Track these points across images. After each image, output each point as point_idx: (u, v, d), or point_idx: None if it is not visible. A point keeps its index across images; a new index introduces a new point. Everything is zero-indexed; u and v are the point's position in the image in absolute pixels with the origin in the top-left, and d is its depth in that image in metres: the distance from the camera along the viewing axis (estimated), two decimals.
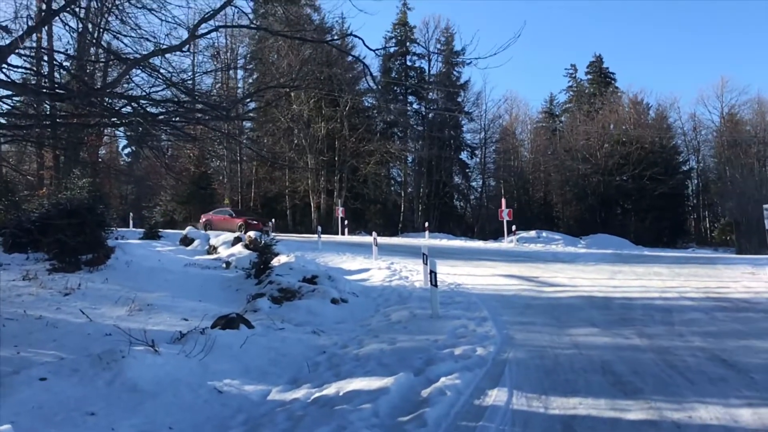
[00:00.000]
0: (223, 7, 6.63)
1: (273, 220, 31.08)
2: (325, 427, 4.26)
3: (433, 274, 9.16)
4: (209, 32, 7.42)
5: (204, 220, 29.22)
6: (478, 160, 48.36)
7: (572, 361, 6.11)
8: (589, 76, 55.79)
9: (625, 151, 41.38)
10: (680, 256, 19.77)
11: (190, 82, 9.53)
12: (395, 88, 46.25)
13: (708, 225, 49.37)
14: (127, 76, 8.40)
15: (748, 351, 6.36)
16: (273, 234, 19.90)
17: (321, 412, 4.64)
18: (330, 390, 5.22)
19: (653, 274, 13.20)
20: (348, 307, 10.29)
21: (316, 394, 5.17)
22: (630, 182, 40.88)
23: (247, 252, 15.85)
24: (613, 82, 54.30)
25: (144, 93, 8.03)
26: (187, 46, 7.74)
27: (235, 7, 7.17)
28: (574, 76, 57.27)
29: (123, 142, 40.57)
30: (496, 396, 4.97)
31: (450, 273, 13.70)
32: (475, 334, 7.48)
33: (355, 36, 6.69)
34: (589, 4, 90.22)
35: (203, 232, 22.04)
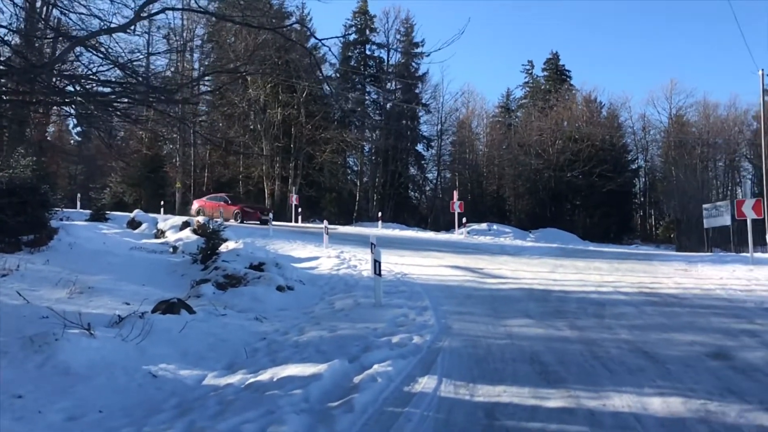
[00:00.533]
0: None
1: (272, 211, 29.70)
2: (254, 412, 4.34)
3: (377, 263, 9.30)
4: (156, 13, 7.33)
5: (197, 206, 28.35)
6: (434, 151, 48.77)
7: (503, 351, 6.34)
8: (545, 73, 56.76)
9: (577, 148, 42.38)
10: (621, 252, 20.45)
11: (139, 63, 9.39)
12: (354, 76, 46.17)
13: (653, 222, 51.10)
14: (73, 55, 8.23)
15: (668, 343, 6.69)
16: (222, 220, 19.69)
17: (252, 397, 4.72)
18: (264, 376, 5.30)
19: (593, 269, 13.65)
20: (293, 295, 10.35)
21: (251, 380, 5.24)
22: (580, 178, 41.89)
23: (195, 237, 15.69)
24: (568, 79, 55.41)
25: (89, 72, 7.88)
26: (134, 26, 7.63)
27: None
28: (530, 72, 58.21)
29: (73, 122, 39.47)
30: (425, 383, 5.12)
31: (398, 263, 13.88)
32: (414, 323, 7.66)
33: (302, 25, 6.67)
34: (547, 2, 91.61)
35: (151, 215, 21.62)
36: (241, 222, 26.09)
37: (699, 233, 28.77)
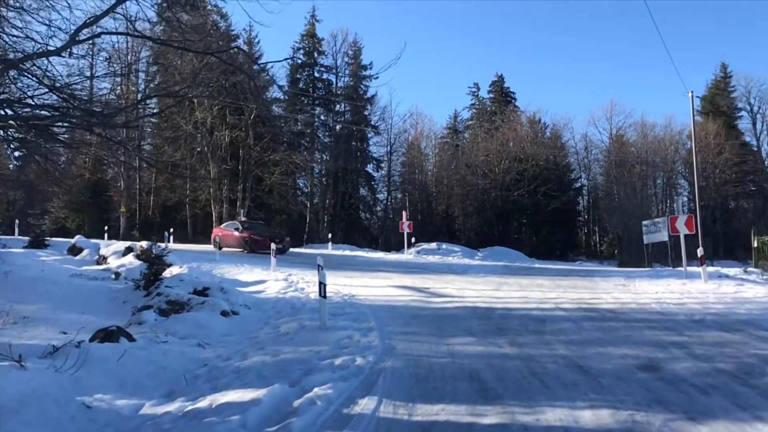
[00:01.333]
0: (104, 14, 6.53)
1: (286, 237, 26.17)
2: None
3: (322, 285, 9.30)
4: (92, 37, 7.27)
5: (213, 235, 26.67)
6: (384, 172, 49.18)
7: (444, 370, 6.44)
8: (491, 95, 58.13)
9: (522, 168, 43.40)
10: (564, 269, 21.00)
11: (78, 86, 9.24)
12: (303, 98, 46.28)
13: (597, 239, 52.57)
14: (9, 79, 8.06)
15: (603, 357, 6.93)
16: (166, 245, 19.27)
17: (189, 425, 4.68)
18: (203, 403, 5.24)
19: (536, 286, 13.98)
20: (238, 320, 10.23)
21: (189, 407, 5.19)
22: (526, 197, 42.88)
23: (138, 263, 15.37)
24: (513, 101, 56.87)
25: (24, 96, 7.73)
26: (71, 49, 7.54)
27: (119, 14, 7.05)
28: (476, 94, 59.50)
29: (11, 146, 38.03)
30: (365, 404, 5.17)
31: (347, 284, 13.92)
32: (358, 344, 7.69)
33: (241, 50, 6.71)
34: (493, 26, 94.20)
35: (93, 241, 21.02)
36: (250, 251, 23.32)
37: (639, 249, 29.83)
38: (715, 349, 7.27)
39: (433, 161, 52.18)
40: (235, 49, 11.10)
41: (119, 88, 30.26)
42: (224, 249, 22.92)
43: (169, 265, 13.67)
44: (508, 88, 57.71)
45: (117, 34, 8.19)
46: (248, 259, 19.77)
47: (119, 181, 40.83)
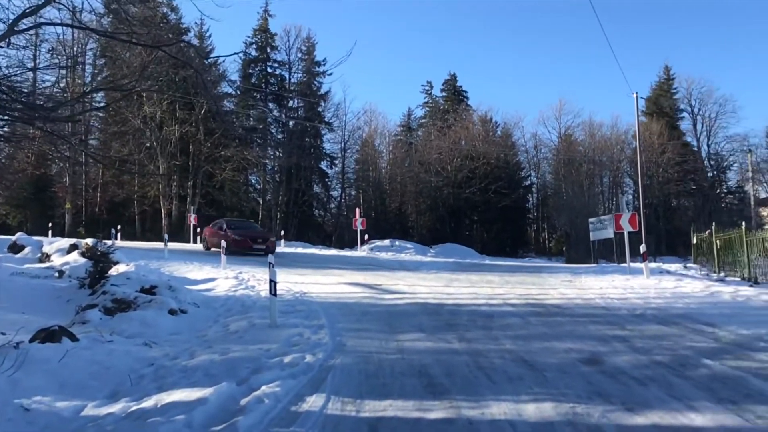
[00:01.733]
0: (45, 3, 6.32)
1: (270, 237, 23.41)
2: None
3: (273, 283, 9.25)
4: (31, 28, 7.02)
5: (203, 234, 25.45)
6: (337, 169, 49.09)
7: (393, 366, 6.50)
8: (443, 94, 58.61)
9: (474, 166, 43.98)
10: (514, 265, 21.43)
11: (19, 78, 8.91)
12: (255, 94, 45.76)
13: (546, 236, 53.72)
14: None
15: (548, 352, 7.11)
16: (113, 242, 18.77)
17: (133, 425, 4.60)
18: (148, 403, 5.16)
19: (485, 282, 14.21)
20: (186, 318, 10.08)
21: (133, 408, 5.09)
22: (477, 195, 43.47)
23: (83, 260, 14.90)
24: (465, 100, 57.51)
25: None
26: (9, 39, 7.27)
27: (63, 4, 6.83)
28: (430, 92, 59.90)
29: None
30: (313, 402, 5.18)
31: (298, 282, 13.86)
32: (308, 341, 7.68)
33: (190, 44, 6.60)
34: (446, 25, 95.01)
35: (36, 238, 20.31)
36: (229, 253, 19.67)
37: (586, 246, 30.65)
38: (654, 343, 7.55)
39: (387, 159, 52.33)
40: (185, 43, 10.90)
41: (64, 80, 29.30)
42: (212, 249, 22.24)
43: (116, 263, 13.34)
44: (461, 86, 58.39)
45: (60, 25, 7.94)
46: (199, 257, 19.45)
47: (64, 176, 39.56)
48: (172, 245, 23.44)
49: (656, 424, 4.57)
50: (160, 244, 23.10)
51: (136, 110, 36.71)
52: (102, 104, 20.71)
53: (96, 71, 37.87)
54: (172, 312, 9.99)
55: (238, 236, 21.56)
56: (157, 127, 38.66)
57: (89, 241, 17.07)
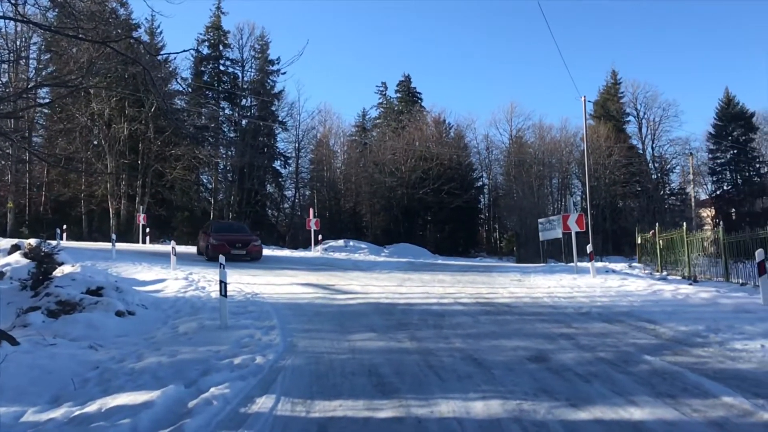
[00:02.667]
0: None
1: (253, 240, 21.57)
2: None
3: (223, 284, 9.15)
4: None
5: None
6: (291, 169, 48.76)
7: (344, 366, 6.51)
8: (398, 95, 58.86)
9: (427, 167, 44.32)
10: (465, 265, 21.71)
11: None
12: (207, 92, 45.03)
13: (497, 236, 54.55)
14: None
15: (496, 350, 7.25)
16: (58, 242, 18.17)
17: (75, 431, 4.48)
18: (92, 407, 5.03)
19: (437, 282, 14.37)
20: (134, 320, 9.87)
21: (76, 413, 4.96)
22: (431, 195, 43.82)
23: (26, 261, 14.38)
24: (419, 101, 57.87)
25: None
26: None
27: None
28: (384, 93, 60.03)
29: None
30: (262, 403, 5.15)
31: (250, 282, 13.75)
32: (259, 342, 7.64)
33: (138, 40, 6.46)
34: (399, 26, 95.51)
35: None
36: (209, 259, 19.71)
37: (536, 245, 31.24)
38: (599, 340, 7.79)
39: (341, 159, 52.28)
40: (134, 40, 10.66)
41: (6, 75, 28.29)
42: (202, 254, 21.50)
43: (61, 264, 12.94)
44: (415, 88, 58.74)
45: (1, 18, 7.65)
46: (147, 258, 19.04)
47: (6, 174, 38.01)
48: (120, 246, 22.91)
49: (599, 419, 4.70)
50: (107, 245, 22.55)
51: (83, 107, 35.64)
52: (47, 100, 20.11)
53: (40, 66, 36.56)
54: (119, 314, 9.77)
55: (216, 240, 20.22)
56: (105, 124, 37.66)
57: (32, 241, 16.48)
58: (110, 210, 37.83)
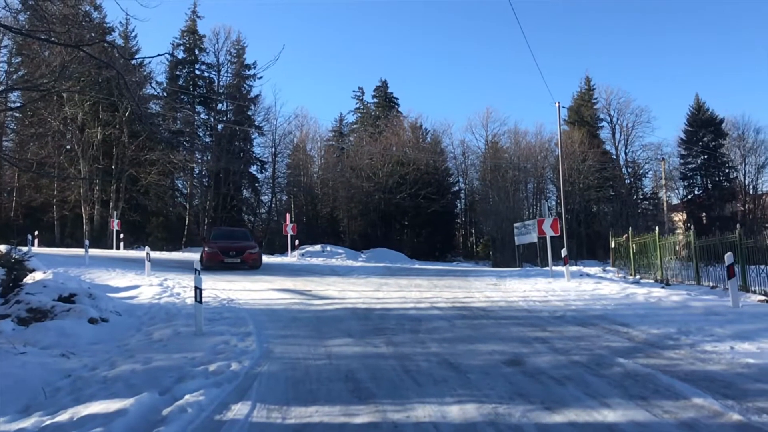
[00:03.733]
0: None
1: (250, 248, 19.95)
2: None
3: (198, 290, 9.06)
4: None
5: None
6: (268, 174, 48.53)
7: (321, 371, 6.50)
8: (375, 100, 59.11)
9: (404, 172, 44.50)
10: (441, 269, 21.80)
11: None
12: (182, 96, 44.67)
13: (474, 240, 54.88)
14: None
15: (472, 354, 7.28)
16: (29, 249, 17.80)
17: None
18: (64, 416, 4.95)
19: (414, 286, 14.40)
20: (108, 327, 9.73)
21: (47, 422, 4.87)
22: (407, 200, 44.00)
23: None
24: (396, 106, 58.14)
25: None
26: None
27: None
28: (361, 98, 60.23)
29: None
30: (238, 410, 5.11)
31: (225, 288, 13.64)
32: (235, 349, 7.57)
33: (111, 43, 6.40)
34: (377, 32, 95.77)
35: None
36: (204, 268, 16.03)
37: (512, 250, 31.55)
38: (573, 343, 7.87)
39: (318, 163, 52.21)
40: (107, 43, 10.53)
41: None
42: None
43: (32, 271, 12.72)
44: (392, 93, 59.04)
45: None
46: (121, 264, 18.79)
47: None
48: (93, 252, 22.58)
49: (573, 422, 4.75)
50: (80, 251, 22.21)
51: (55, 111, 35.09)
52: (18, 104, 19.75)
53: (11, 69, 35.95)
54: (92, 321, 9.62)
55: (209, 248, 19.14)
56: (78, 129, 37.12)
57: (2, 247, 16.15)
58: (83, 215, 37.27)
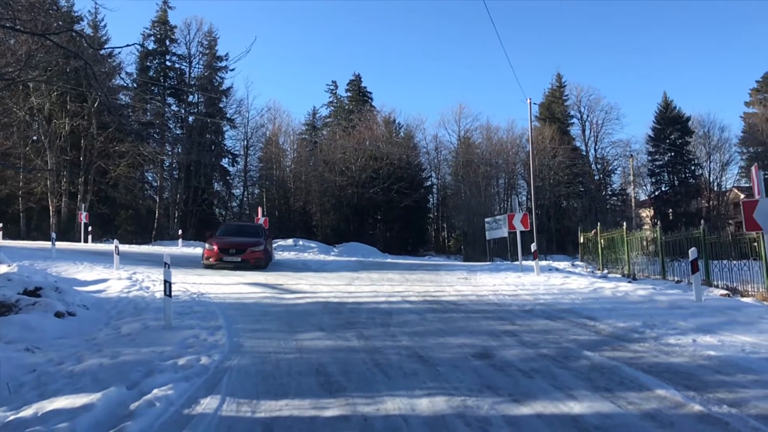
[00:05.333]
0: None
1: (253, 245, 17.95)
2: None
3: (167, 283, 8.97)
4: None
5: None
6: (240, 167, 48.09)
7: (291, 365, 6.50)
8: (348, 94, 58.91)
9: (377, 166, 44.50)
10: (413, 263, 21.91)
11: None
12: (153, 87, 43.98)
13: (445, 235, 55.22)
14: None
15: (442, 347, 7.35)
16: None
17: None
18: (28, 412, 4.87)
19: (386, 280, 14.46)
20: (75, 321, 9.58)
21: (11, 417, 4.79)
22: (380, 195, 44.03)
23: None
24: (369, 101, 58.03)
25: None
26: None
27: None
28: (334, 92, 59.99)
29: None
30: (207, 404, 5.09)
31: (196, 282, 13.53)
32: (205, 343, 7.53)
33: (79, 33, 6.28)
34: (350, 25, 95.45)
35: None
36: (206, 266, 17.27)
37: (483, 244, 31.79)
38: (541, 336, 8.00)
39: (291, 157, 51.87)
40: (75, 32, 10.32)
41: None
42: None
43: None
44: (365, 87, 58.91)
45: None
46: (89, 257, 18.47)
47: None
48: (60, 245, 22.17)
49: (540, 414, 4.84)
50: (47, 244, 21.79)
51: (21, 101, 34.23)
52: None
53: None
54: (58, 315, 9.47)
55: (208, 245, 17.71)
56: (45, 119, 36.30)
57: None
58: (50, 208, 36.51)
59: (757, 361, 6.48)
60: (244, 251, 17.26)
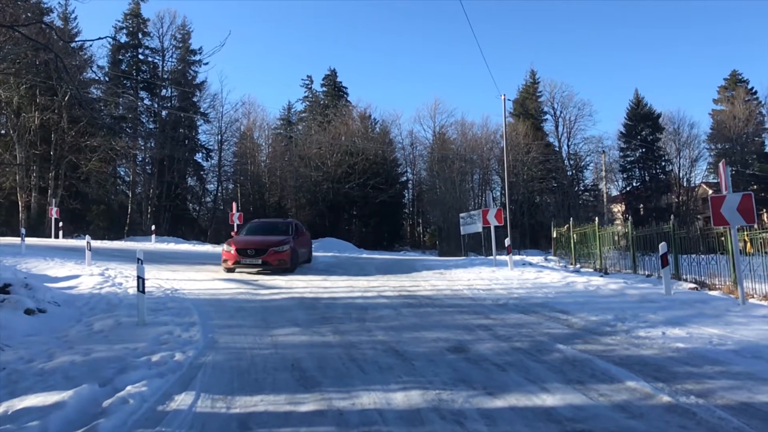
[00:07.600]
0: None
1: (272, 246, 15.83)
2: None
3: (141, 279, 8.88)
4: None
5: None
6: (214, 162, 47.62)
7: (266, 361, 6.49)
8: (324, 89, 58.65)
9: (353, 162, 44.43)
10: (389, 258, 21.96)
11: None
12: (125, 81, 43.31)
13: (421, 230, 55.38)
14: None
15: (417, 341, 7.40)
16: None
17: None
18: None
19: (361, 275, 14.49)
20: (45, 318, 9.43)
21: None
22: (356, 190, 43.97)
23: None
24: (345, 96, 57.86)
25: None
26: None
27: None
28: (310, 87, 59.69)
29: None
30: (181, 400, 5.06)
31: (169, 278, 13.41)
32: (179, 339, 7.48)
33: (48, 24, 6.18)
34: (325, 20, 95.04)
35: None
36: (227, 270, 15.74)
37: (458, 239, 31.99)
38: (515, 330, 8.10)
39: (266, 152, 51.48)
40: (45, 24, 10.12)
41: None
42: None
43: None
44: (341, 82, 58.71)
45: None
46: (60, 253, 18.18)
47: None
48: (30, 240, 21.78)
49: (513, 406, 4.90)
50: (16, 239, 21.39)
51: None
52: None
53: None
54: (29, 312, 9.31)
55: (227, 245, 15.99)
56: (13, 113, 35.51)
57: None
58: (19, 203, 35.79)
59: (724, 352, 6.65)
60: (264, 252, 15.40)
